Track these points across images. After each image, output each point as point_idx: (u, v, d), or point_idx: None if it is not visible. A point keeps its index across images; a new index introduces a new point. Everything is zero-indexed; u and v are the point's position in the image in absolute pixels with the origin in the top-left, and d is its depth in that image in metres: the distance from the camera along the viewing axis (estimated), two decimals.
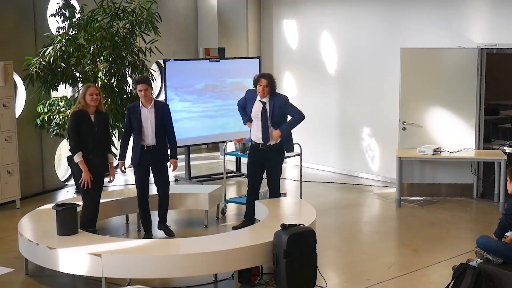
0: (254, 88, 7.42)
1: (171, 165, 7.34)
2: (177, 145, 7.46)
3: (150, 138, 7.12)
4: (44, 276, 6.27)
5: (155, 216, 7.52)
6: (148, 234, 7.32)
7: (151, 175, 7.33)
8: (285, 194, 7.96)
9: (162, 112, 7.20)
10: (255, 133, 7.42)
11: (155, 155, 7.15)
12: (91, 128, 6.67)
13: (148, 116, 7.12)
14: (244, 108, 7.54)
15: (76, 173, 9.63)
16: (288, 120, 7.41)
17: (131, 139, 7.34)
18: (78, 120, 6.65)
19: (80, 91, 6.90)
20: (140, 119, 7.11)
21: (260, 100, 7.31)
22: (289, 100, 7.45)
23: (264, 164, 7.48)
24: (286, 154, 8.30)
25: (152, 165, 7.23)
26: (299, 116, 7.38)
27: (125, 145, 7.33)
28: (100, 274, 5.68)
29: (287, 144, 7.54)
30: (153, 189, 7.47)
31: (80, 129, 6.64)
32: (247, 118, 7.53)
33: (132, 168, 7.42)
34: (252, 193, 7.58)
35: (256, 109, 7.35)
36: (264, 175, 7.63)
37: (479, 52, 8.83)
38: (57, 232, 6.16)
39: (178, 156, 7.64)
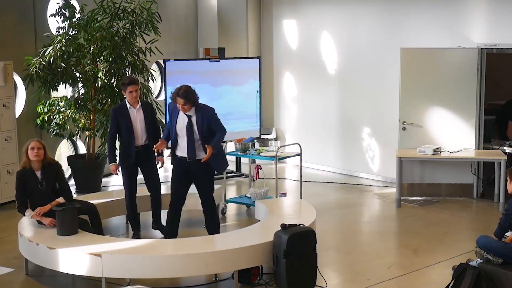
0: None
1: (159, 161, 7.30)
2: None
3: (140, 138, 7.10)
4: (44, 276, 6.27)
5: (146, 217, 7.55)
6: (138, 234, 7.31)
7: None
8: (285, 194, 7.96)
9: (150, 112, 7.24)
10: (180, 149, 6.68)
11: (145, 154, 7.12)
12: (35, 187, 6.40)
13: (137, 116, 7.10)
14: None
15: (76, 173, 9.68)
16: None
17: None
18: (20, 180, 6.41)
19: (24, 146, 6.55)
20: (130, 119, 7.07)
21: (185, 114, 6.59)
22: (216, 113, 6.78)
23: (193, 181, 6.78)
24: (284, 154, 8.30)
25: (141, 165, 7.20)
26: (222, 133, 6.70)
27: (114, 146, 7.30)
28: (100, 274, 5.67)
29: (215, 163, 6.73)
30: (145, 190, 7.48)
31: (25, 188, 6.40)
32: (166, 134, 6.78)
33: (121, 169, 7.33)
34: (174, 211, 6.78)
35: (181, 124, 6.60)
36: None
37: (479, 52, 8.83)
38: (57, 232, 6.16)
39: None
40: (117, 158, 7.28)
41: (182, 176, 6.70)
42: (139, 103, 7.17)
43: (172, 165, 6.91)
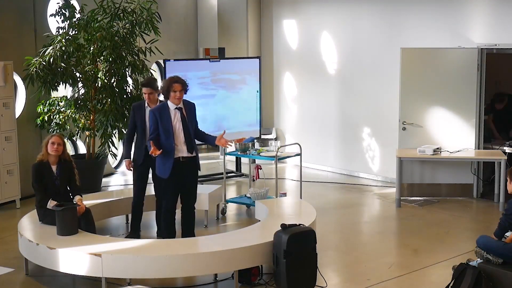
0: (156, 104, 6.79)
1: None
2: None
3: None
4: (44, 276, 6.27)
5: (146, 217, 7.54)
6: (136, 234, 7.27)
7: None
8: (285, 194, 7.96)
9: None
10: (177, 149, 6.51)
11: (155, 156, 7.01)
12: (50, 181, 6.47)
13: None
14: (157, 137, 6.47)
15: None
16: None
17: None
18: (38, 173, 6.46)
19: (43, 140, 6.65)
20: (144, 119, 7.04)
21: (176, 108, 6.53)
22: None
23: (184, 179, 6.62)
24: (284, 154, 8.32)
25: (152, 167, 7.15)
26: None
27: (129, 143, 7.29)
28: (100, 274, 5.67)
29: (199, 161, 6.78)
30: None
31: (41, 180, 6.45)
32: (154, 137, 6.45)
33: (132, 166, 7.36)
34: (172, 215, 6.69)
35: (176, 120, 6.51)
36: None
37: (479, 52, 8.83)
38: (57, 232, 6.16)
39: None
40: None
41: (177, 179, 6.57)
42: (157, 103, 7.05)
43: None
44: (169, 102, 6.53)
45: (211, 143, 6.87)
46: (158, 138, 6.46)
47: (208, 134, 6.88)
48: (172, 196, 6.63)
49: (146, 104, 7.11)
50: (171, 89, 6.46)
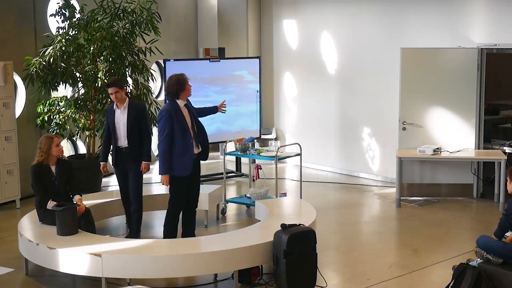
0: (169, 102, 6.63)
1: (143, 167, 7.07)
2: None
3: (122, 139, 7.07)
4: (44, 276, 6.27)
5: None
6: (134, 235, 7.25)
7: None
8: (285, 194, 7.96)
9: (136, 113, 7.04)
10: (193, 147, 6.59)
11: (128, 157, 7.04)
12: (50, 182, 6.50)
13: (120, 117, 7.06)
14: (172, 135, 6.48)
15: (76, 173, 9.66)
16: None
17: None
18: (37, 174, 6.47)
19: (41, 142, 6.56)
20: (114, 120, 7.08)
21: (184, 105, 6.60)
22: None
23: (194, 177, 6.69)
24: (284, 154, 8.32)
25: (126, 167, 7.15)
26: None
27: (105, 147, 7.36)
28: (100, 274, 5.67)
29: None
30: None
31: (41, 181, 6.47)
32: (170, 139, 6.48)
33: (106, 170, 7.52)
34: (178, 214, 6.74)
35: (188, 116, 6.60)
36: None
37: (479, 52, 8.83)
38: (57, 232, 6.16)
39: None
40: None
41: (193, 175, 6.63)
42: (125, 104, 7.07)
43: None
44: (178, 101, 6.56)
45: (213, 111, 7.25)
46: (172, 140, 6.45)
47: (207, 107, 7.26)
48: (183, 197, 6.65)
49: (115, 106, 7.10)
50: (186, 84, 6.55)
